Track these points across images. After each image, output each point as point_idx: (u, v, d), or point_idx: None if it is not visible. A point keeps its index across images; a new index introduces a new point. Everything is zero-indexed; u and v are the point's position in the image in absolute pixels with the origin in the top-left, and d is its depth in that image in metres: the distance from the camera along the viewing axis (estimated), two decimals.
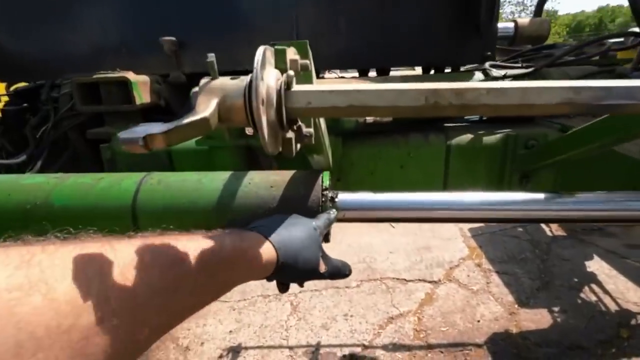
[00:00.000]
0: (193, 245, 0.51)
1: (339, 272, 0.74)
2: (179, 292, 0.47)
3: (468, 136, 1.00)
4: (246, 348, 2.41)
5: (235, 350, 2.39)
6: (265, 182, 0.70)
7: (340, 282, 2.99)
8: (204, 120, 0.41)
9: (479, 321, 2.47)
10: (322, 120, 0.69)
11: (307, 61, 0.51)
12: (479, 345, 2.28)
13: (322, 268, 0.69)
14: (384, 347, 2.32)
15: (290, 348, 2.38)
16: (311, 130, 0.50)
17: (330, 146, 0.87)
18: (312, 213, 0.68)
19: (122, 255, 0.44)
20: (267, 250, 0.60)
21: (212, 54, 0.43)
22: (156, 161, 1.01)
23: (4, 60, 1.35)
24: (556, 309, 2.51)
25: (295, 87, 0.46)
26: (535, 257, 3.12)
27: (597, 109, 0.40)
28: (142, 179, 0.70)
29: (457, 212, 0.72)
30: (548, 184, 0.98)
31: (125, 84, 1.10)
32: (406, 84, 0.41)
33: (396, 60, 1.29)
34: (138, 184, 0.69)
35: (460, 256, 3.22)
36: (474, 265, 3.08)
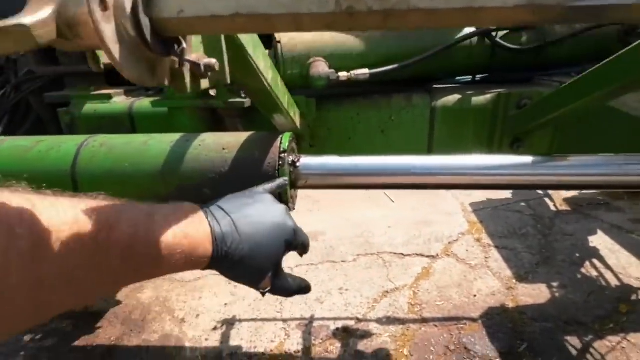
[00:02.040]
0: (130, 224, 0.45)
1: (288, 292, 0.68)
2: (91, 272, 0.41)
3: (455, 97, 0.90)
4: (240, 321, 2.42)
5: (230, 323, 2.40)
6: (217, 144, 0.63)
7: (336, 257, 2.96)
8: (21, 29, 0.31)
9: (475, 296, 2.44)
10: (264, 66, 0.58)
11: None
12: (473, 320, 2.25)
13: (267, 285, 0.62)
14: (378, 321, 2.31)
15: (284, 321, 2.38)
16: (213, 61, 0.41)
17: (301, 107, 0.78)
18: (267, 177, 0.61)
19: (40, 216, 0.38)
20: (204, 250, 0.55)
21: None
22: (118, 126, 0.94)
23: None
24: (555, 284, 2.46)
25: None
26: (537, 232, 3.05)
27: (568, 14, 0.31)
28: (84, 142, 0.64)
29: (434, 178, 0.64)
30: (543, 147, 0.89)
31: None
32: None
33: None
34: (79, 146, 0.62)
35: (460, 231, 3.16)
36: (473, 240, 3.02)
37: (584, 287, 2.40)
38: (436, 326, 2.24)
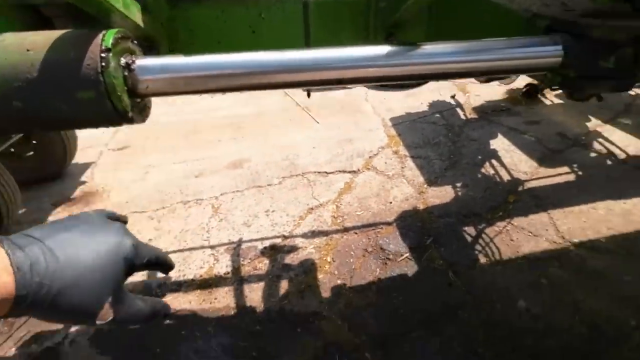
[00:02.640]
0: None
1: (138, 318, 0.55)
2: None
3: None
4: (168, 252, 2.38)
5: None
6: (19, 44, 0.50)
7: (262, 181, 2.96)
8: None
9: (391, 203, 2.64)
10: None
11: None
12: (389, 224, 2.46)
13: (107, 316, 0.50)
14: (303, 236, 2.43)
15: (212, 247, 2.41)
16: None
17: (149, 5, 0.65)
18: (88, 82, 0.51)
19: None
20: (1, 284, 0.41)
21: None
22: None
23: None
24: (459, 184, 2.74)
25: None
26: (447, 140, 3.29)
27: None
28: None
29: (293, 75, 0.59)
30: (418, 38, 0.88)
31: None
32: None
33: None
34: None
35: (380, 145, 3.29)
36: (391, 153, 3.18)
37: (481, 185, 2.71)
38: (356, 233, 2.42)
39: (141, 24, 0.62)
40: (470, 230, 2.34)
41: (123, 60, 0.54)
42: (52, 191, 3.10)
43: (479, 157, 3.02)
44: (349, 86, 0.74)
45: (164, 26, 0.77)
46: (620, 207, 2.35)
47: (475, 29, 0.84)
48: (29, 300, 0.43)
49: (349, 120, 3.73)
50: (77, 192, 3.08)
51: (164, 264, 0.65)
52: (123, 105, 0.55)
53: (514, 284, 1.96)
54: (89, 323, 0.50)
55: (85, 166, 3.44)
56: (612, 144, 2.95)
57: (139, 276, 2.24)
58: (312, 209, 2.65)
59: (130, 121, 0.58)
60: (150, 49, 0.73)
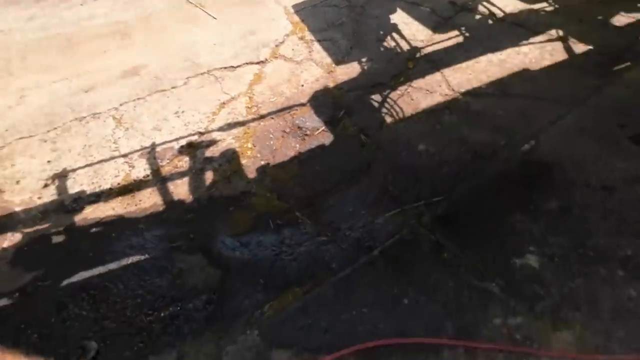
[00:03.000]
0: None
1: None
2: None
3: None
4: (73, 170, 2.21)
5: (61, 176, 2.19)
6: None
7: (165, 85, 2.75)
8: None
9: (302, 86, 2.67)
10: None
11: None
12: (303, 104, 2.52)
13: None
14: (220, 129, 2.40)
15: (124, 156, 2.28)
16: None
17: None
18: None
19: None
20: None
21: None
22: None
23: None
24: (364, 59, 2.84)
25: None
26: (350, 20, 3.29)
27: None
28: None
29: None
30: None
31: None
32: None
33: None
34: None
35: (284, 33, 3.18)
36: (297, 39, 3.11)
37: (384, 57, 2.84)
38: (273, 118, 2.45)
39: None
40: (376, 98, 2.51)
41: None
42: None
43: (381, 32, 3.10)
44: None
45: None
46: (497, 58, 2.67)
47: None
48: None
49: (248, 12, 3.48)
50: None
51: None
52: None
53: (415, 134, 2.22)
54: None
55: None
56: (494, 5, 3.22)
57: (49, 195, 2.09)
58: (224, 103, 2.58)
59: None
60: None
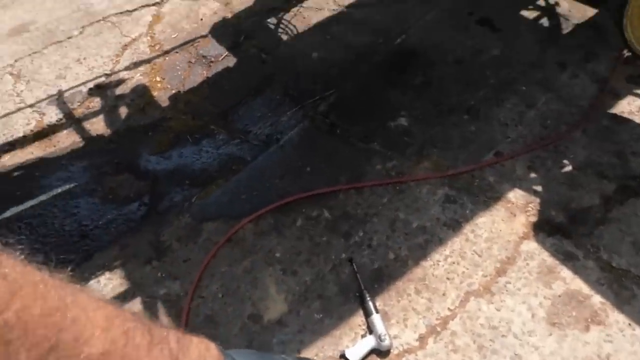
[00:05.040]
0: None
1: None
2: None
3: None
4: None
5: None
6: None
7: (60, 36, 2.71)
8: None
9: (202, 19, 2.78)
10: None
11: None
12: (204, 36, 2.66)
13: None
14: (126, 69, 2.48)
15: (31, 106, 2.30)
16: None
17: None
18: None
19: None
20: None
21: None
22: None
23: None
24: None
25: None
26: None
27: None
28: None
29: None
30: None
31: None
32: None
33: None
34: None
35: None
36: None
37: None
38: (177, 52, 2.57)
39: None
40: (272, 21, 2.71)
41: None
42: None
43: None
44: None
45: None
46: None
47: None
48: None
49: None
50: None
51: None
52: None
53: (309, 45, 2.49)
54: None
55: None
56: None
57: None
58: (126, 45, 2.63)
59: None
60: None
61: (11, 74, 2.48)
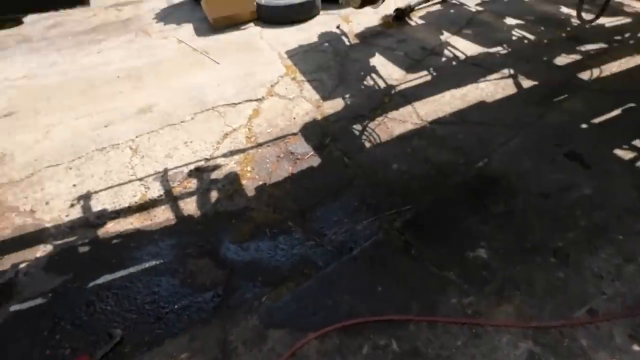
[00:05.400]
0: None
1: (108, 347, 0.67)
2: None
3: None
4: (96, 192, 2.56)
5: (86, 197, 2.53)
6: None
7: (175, 120, 3.17)
8: None
9: (294, 118, 3.10)
10: None
11: None
12: (295, 134, 2.94)
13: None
14: (223, 156, 2.79)
15: (140, 179, 2.64)
16: None
17: None
18: None
19: None
20: None
21: None
22: None
23: None
24: (347, 95, 3.30)
25: None
26: (336, 64, 3.80)
27: None
28: None
29: None
30: None
31: None
32: None
33: None
34: None
35: (279, 75, 3.67)
36: (290, 80, 3.59)
37: (364, 93, 3.30)
38: (269, 146, 2.85)
39: None
40: (357, 127, 2.94)
41: None
42: None
43: (362, 73, 3.60)
44: None
45: None
46: (459, 93, 3.14)
47: None
48: None
49: (248, 58, 3.99)
50: None
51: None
52: None
53: (389, 156, 2.62)
54: None
55: None
56: (457, 49, 3.76)
57: (75, 213, 2.42)
58: (227, 134, 2.98)
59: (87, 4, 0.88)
60: None
61: (131, 148, 2.91)
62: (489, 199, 2.19)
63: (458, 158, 2.51)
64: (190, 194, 2.51)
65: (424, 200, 2.27)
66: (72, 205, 2.48)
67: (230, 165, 2.71)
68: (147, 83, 3.73)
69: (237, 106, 3.28)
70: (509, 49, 3.68)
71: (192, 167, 2.71)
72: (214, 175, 2.64)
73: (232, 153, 2.81)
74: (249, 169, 2.67)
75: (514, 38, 3.92)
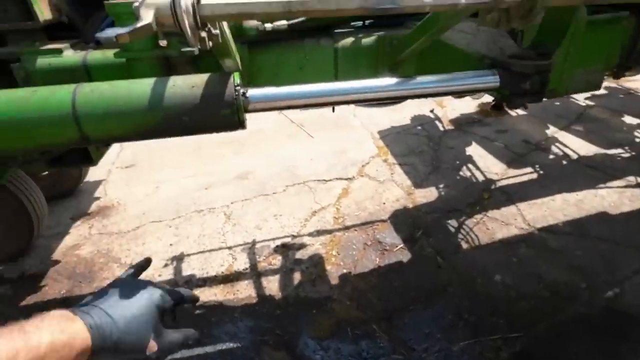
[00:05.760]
0: (9, 345, 0.50)
1: (177, 346, 0.74)
2: None
3: (350, 39, 1.22)
4: (188, 255, 2.68)
5: (179, 258, 2.65)
6: (187, 84, 0.86)
7: (268, 190, 3.30)
8: (148, 26, 0.57)
9: (384, 203, 3.02)
10: (226, 27, 0.84)
11: None
12: (384, 221, 2.84)
13: (153, 348, 0.68)
14: (310, 235, 2.77)
15: (229, 248, 2.71)
16: (217, 30, 0.67)
17: (237, 52, 1.03)
18: (228, 105, 0.87)
19: None
20: (82, 339, 0.58)
21: None
22: (75, 77, 1.06)
23: None
24: (441, 185, 3.16)
25: (203, 1, 0.65)
26: (429, 149, 3.73)
27: (380, 12, 0.64)
28: (75, 89, 0.81)
29: (338, 97, 0.97)
30: (411, 71, 1.27)
31: None
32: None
33: None
34: (72, 93, 0.80)
35: (370, 155, 3.70)
36: (381, 161, 3.59)
37: (460, 185, 3.13)
38: (356, 230, 2.78)
39: (240, 65, 0.98)
40: (453, 222, 2.74)
41: (242, 91, 0.90)
42: (69, 207, 3.33)
43: (457, 162, 3.46)
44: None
45: (245, 67, 1.12)
46: (574, 198, 2.81)
47: (447, 64, 1.24)
48: (100, 349, 0.61)
49: (341, 135, 4.14)
50: (94, 207, 3.33)
51: (189, 300, 0.83)
52: (243, 118, 0.91)
53: (491, 263, 2.36)
54: (141, 356, 0.67)
55: (97, 183, 3.68)
56: (567, 147, 3.46)
57: (167, 274, 2.52)
58: (315, 211, 3.00)
59: (243, 127, 0.94)
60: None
61: (225, 213, 3.06)
62: (625, 345, 1.79)
63: (578, 280, 2.15)
64: (273, 272, 2.49)
65: (536, 328, 1.93)
66: (165, 265, 2.61)
67: (316, 246, 2.66)
68: (247, 149, 4.02)
69: (327, 183, 3.33)
70: (632, 153, 3.28)
71: (278, 242, 2.72)
72: (299, 254, 2.61)
73: (318, 233, 2.78)
74: (334, 253, 2.59)
75: (637, 140, 3.51)
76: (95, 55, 1.07)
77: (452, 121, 4.26)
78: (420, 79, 1.02)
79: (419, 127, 4.19)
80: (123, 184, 3.64)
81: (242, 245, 2.72)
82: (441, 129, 4.13)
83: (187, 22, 0.61)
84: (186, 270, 2.55)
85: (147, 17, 0.57)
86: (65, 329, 0.58)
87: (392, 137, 4.00)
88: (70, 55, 1.08)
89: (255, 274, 2.48)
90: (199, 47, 0.65)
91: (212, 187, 3.41)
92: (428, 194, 3.07)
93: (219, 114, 0.85)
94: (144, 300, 0.70)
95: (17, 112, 0.77)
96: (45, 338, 0.54)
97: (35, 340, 0.53)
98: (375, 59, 1.24)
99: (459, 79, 1.04)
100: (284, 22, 1.17)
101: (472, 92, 1.09)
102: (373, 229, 2.77)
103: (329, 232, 2.78)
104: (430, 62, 1.27)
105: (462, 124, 4.18)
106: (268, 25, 1.16)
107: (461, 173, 3.30)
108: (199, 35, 0.65)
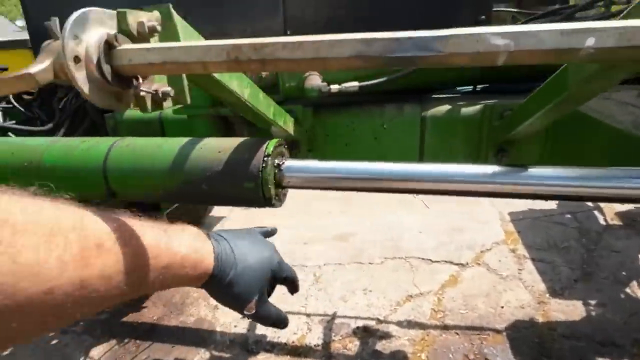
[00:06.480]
0: (153, 237, 0.51)
1: (269, 320, 0.73)
2: (127, 280, 0.45)
3: (445, 107, 0.94)
4: None
5: None
6: (215, 147, 0.75)
7: (364, 258, 3.02)
8: (28, 76, 0.46)
9: (502, 307, 2.37)
10: (237, 85, 0.70)
11: (155, 23, 0.52)
12: (498, 331, 2.20)
13: (251, 309, 0.67)
14: (398, 324, 2.34)
15: (308, 315, 2.49)
16: (168, 89, 0.52)
17: (298, 115, 0.88)
18: (252, 176, 0.71)
19: (90, 230, 0.44)
20: (207, 265, 0.60)
21: (55, 18, 0.48)
22: (151, 129, 1.11)
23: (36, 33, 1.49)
24: (593, 302, 2.32)
25: (122, 47, 0.49)
26: (580, 246, 2.87)
27: (391, 62, 0.37)
28: (114, 143, 0.79)
29: (405, 183, 0.71)
30: (532, 157, 0.90)
31: None
32: (212, 40, 0.42)
33: (381, 24, 1.21)
34: (110, 146, 0.78)
35: (494, 240, 3.06)
36: (508, 251, 2.92)
37: (625, 307, 2.24)
38: (457, 334, 2.22)
39: (291, 132, 0.83)
40: None
41: (276, 162, 0.74)
42: None
43: (623, 273, 2.53)
44: None
45: (307, 132, 0.99)
46: None
47: (594, 153, 0.83)
48: (215, 279, 0.60)
49: (462, 209, 3.60)
50: None
51: (294, 285, 0.82)
52: (270, 194, 0.74)
53: None
54: (239, 310, 0.67)
55: (219, 219, 4.04)
56: None
57: (242, 327, 2.45)
58: (411, 296, 2.55)
59: (272, 206, 0.77)
60: (292, 148, 0.95)
61: (314, 274, 2.89)
62: None
63: None
64: (346, 359, 2.14)
65: None
66: (244, 317, 2.54)
67: (402, 340, 2.21)
68: (353, 209, 3.86)
69: (433, 264, 2.85)
70: None
71: (360, 323, 2.37)
72: (380, 345, 2.20)
73: (409, 324, 2.32)
74: (423, 356, 2.09)
75: None
76: (169, 112, 1.11)
77: (621, 214, 3.25)
78: (544, 171, 0.67)
79: (569, 216, 3.32)
80: (240, 224, 3.90)
81: (322, 315, 2.47)
82: (602, 222, 3.17)
83: (82, 76, 0.44)
84: (260, 329, 2.43)
85: (37, 64, 0.47)
86: (198, 249, 0.60)
87: (527, 223, 3.26)
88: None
89: (326, 354, 2.18)
90: (132, 107, 0.51)
91: (310, 243, 3.33)
92: (570, 310, 2.28)
93: (242, 186, 0.71)
94: (265, 259, 0.72)
95: (63, 160, 0.79)
96: (183, 248, 0.56)
97: (175, 246, 0.55)
98: (477, 134, 0.91)
99: (618, 179, 0.64)
100: (354, 84, 0.99)
101: (634, 200, 0.67)
102: (481, 338, 2.16)
103: (423, 326, 2.29)
104: (565, 146, 0.86)
105: (637, 220, 3.13)
106: (334, 87, 1.00)
107: (628, 290, 2.38)
108: (123, 93, 0.49)
